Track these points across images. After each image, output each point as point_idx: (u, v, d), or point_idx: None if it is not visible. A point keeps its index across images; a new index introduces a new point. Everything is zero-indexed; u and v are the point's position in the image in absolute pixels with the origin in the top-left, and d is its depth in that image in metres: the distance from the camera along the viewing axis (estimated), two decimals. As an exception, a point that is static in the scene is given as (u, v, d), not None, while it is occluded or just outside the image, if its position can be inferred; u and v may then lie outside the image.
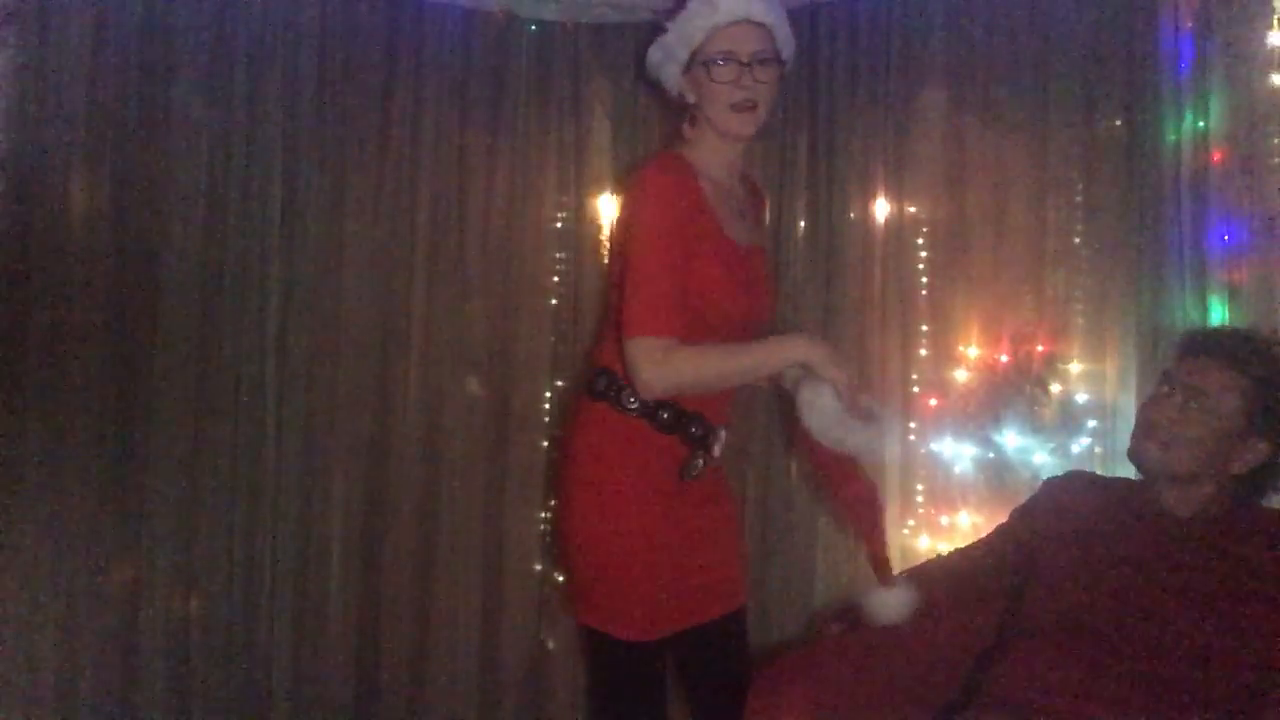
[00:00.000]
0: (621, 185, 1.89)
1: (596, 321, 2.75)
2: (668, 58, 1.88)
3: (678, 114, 1.92)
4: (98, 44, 2.50)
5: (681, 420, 1.82)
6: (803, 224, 2.67)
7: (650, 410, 1.81)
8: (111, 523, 2.53)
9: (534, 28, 2.79)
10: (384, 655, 2.74)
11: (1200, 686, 1.51)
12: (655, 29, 1.92)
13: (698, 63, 1.83)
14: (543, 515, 2.79)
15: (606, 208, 2.80)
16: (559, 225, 2.81)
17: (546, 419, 2.80)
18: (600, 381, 1.85)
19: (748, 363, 1.78)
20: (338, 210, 2.72)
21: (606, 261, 2.03)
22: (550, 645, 2.77)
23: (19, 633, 2.41)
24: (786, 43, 1.89)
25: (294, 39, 2.67)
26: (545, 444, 2.80)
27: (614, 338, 1.82)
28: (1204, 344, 1.75)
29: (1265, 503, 1.76)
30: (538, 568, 2.79)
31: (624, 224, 1.84)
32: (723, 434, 1.89)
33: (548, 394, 2.79)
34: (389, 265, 2.75)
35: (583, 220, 2.81)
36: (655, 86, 1.96)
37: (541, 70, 2.79)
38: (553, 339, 2.81)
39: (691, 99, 1.86)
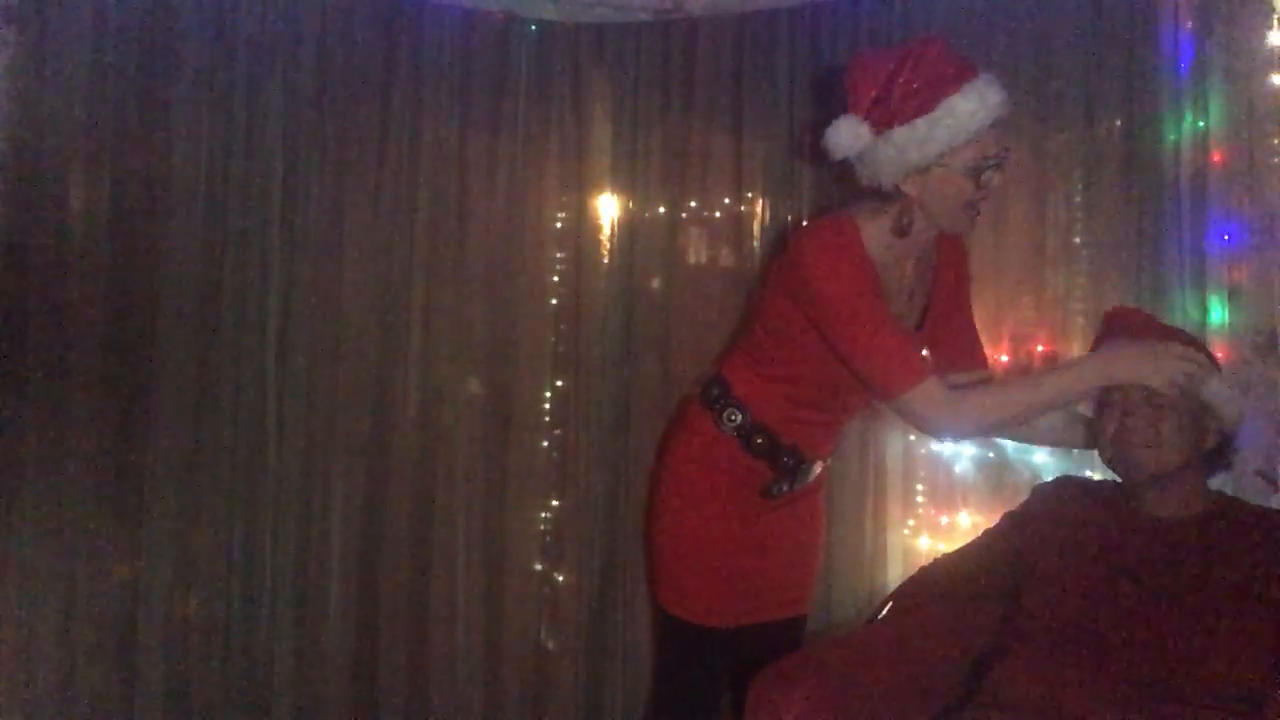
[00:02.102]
0: (792, 243, 1.82)
1: (595, 319, 2.76)
2: (900, 152, 1.69)
3: (846, 180, 1.80)
4: (98, 44, 2.50)
5: (775, 450, 1.90)
6: (802, 224, 2.67)
7: (746, 433, 1.89)
8: (111, 523, 2.52)
9: (534, 28, 2.79)
10: (384, 655, 2.74)
11: (1198, 687, 1.52)
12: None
13: (950, 163, 1.70)
14: (543, 515, 2.79)
15: (606, 208, 2.81)
16: (559, 225, 2.81)
17: (547, 419, 2.81)
18: (713, 389, 1.94)
19: (1057, 393, 1.72)
20: (338, 210, 2.73)
21: (759, 292, 1.99)
22: (550, 645, 2.77)
23: (19, 633, 2.41)
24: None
25: (294, 39, 2.67)
26: (545, 444, 2.80)
27: (742, 356, 1.94)
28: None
29: (1224, 476, 1.77)
30: (538, 567, 2.79)
31: (807, 287, 1.76)
32: (818, 467, 1.98)
33: (548, 393, 2.80)
34: (389, 265, 2.75)
35: (583, 220, 2.81)
36: (844, 171, 1.79)
37: (541, 70, 2.79)
38: (553, 339, 2.81)
39: (912, 193, 1.73)
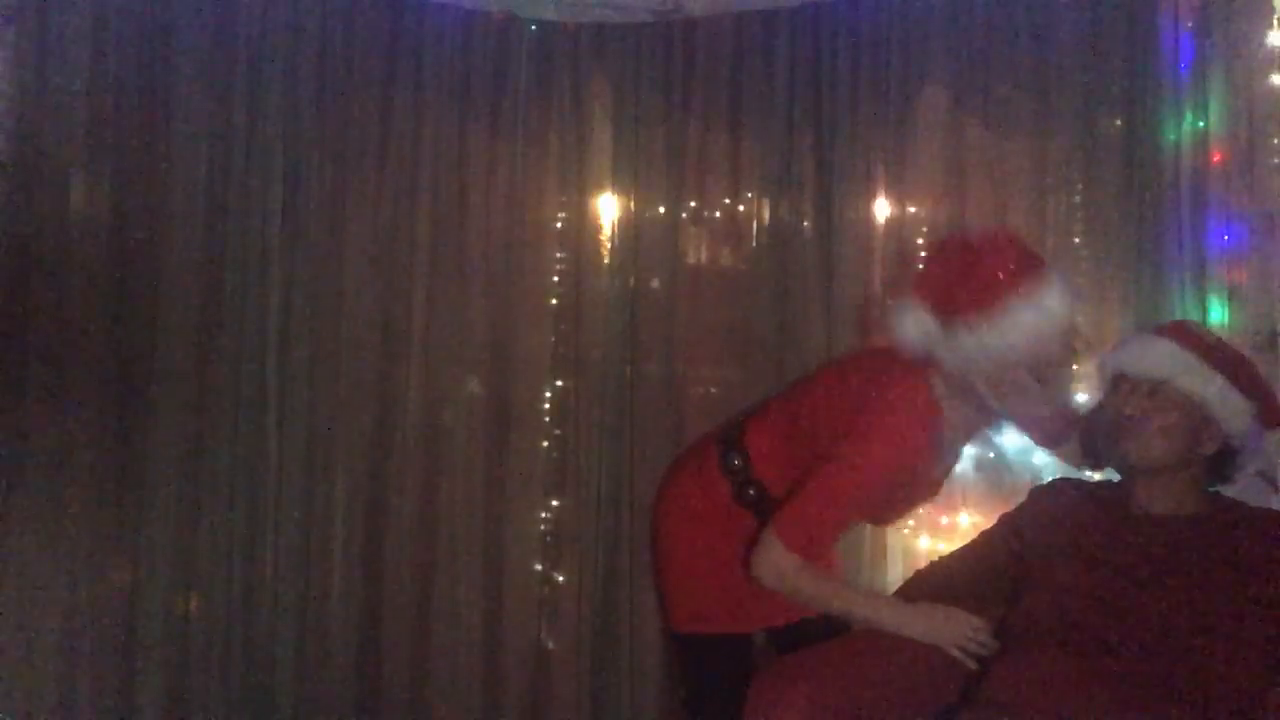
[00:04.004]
0: (877, 390, 1.79)
1: (595, 319, 2.75)
2: (998, 364, 1.69)
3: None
4: (98, 44, 2.50)
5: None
6: (803, 224, 2.68)
7: (763, 511, 1.86)
8: (111, 523, 2.53)
9: (534, 28, 2.79)
10: (385, 655, 2.74)
11: (1198, 687, 1.51)
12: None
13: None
14: (543, 515, 2.79)
15: (606, 208, 2.81)
16: (559, 225, 2.81)
17: (546, 419, 2.80)
18: (734, 458, 1.92)
19: (859, 618, 1.78)
20: (338, 210, 2.72)
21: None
22: (550, 645, 2.77)
23: (19, 633, 2.41)
24: None
25: (294, 39, 2.67)
26: (545, 444, 2.80)
27: (771, 441, 1.90)
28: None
29: (1229, 485, 1.77)
30: (538, 568, 2.79)
31: (861, 425, 1.75)
32: None
33: (548, 394, 2.80)
34: (389, 265, 2.75)
35: (583, 220, 2.81)
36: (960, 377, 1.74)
37: (541, 70, 2.79)
38: (553, 339, 2.81)
39: (982, 390, 1.73)
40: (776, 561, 1.75)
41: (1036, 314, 1.66)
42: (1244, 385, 1.70)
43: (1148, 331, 1.83)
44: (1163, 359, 1.70)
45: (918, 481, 1.86)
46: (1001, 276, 1.67)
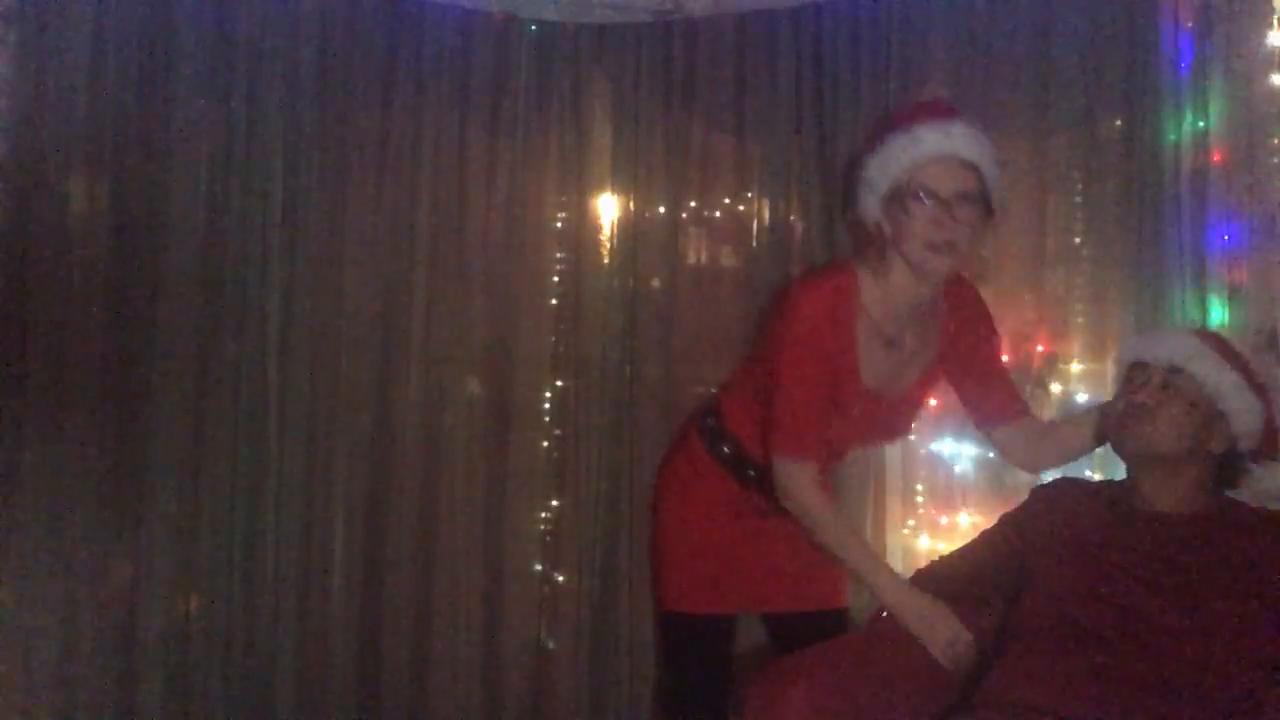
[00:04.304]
0: (784, 290, 1.94)
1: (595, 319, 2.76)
2: (867, 188, 1.81)
3: (866, 240, 1.85)
4: (98, 44, 2.50)
5: (765, 483, 1.92)
6: (803, 224, 2.68)
7: (738, 466, 1.97)
8: (111, 523, 2.52)
9: (534, 28, 2.79)
10: (385, 655, 2.73)
11: (1198, 686, 1.52)
12: (852, 163, 1.90)
13: (896, 197, 1.77)
14: (543, 515, 2.79)
15: (606, 208, 2.81)
16: (559, 225, 2.81)
17: (547, 418, 2.80)
18: (709, 419, 2.02)
19: (858, 568, 1.85)
20: (338, 210, 2.72)
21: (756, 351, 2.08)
22: (551, 645, 2.77)
23: (19, 633, 2.41)
24: (995, 184, 1.80)
25: (294, 39, 2.67)
26: (545, 444, 2.80)
27: (739, 388, 2.01)
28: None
29: (1239, 488, 1.77)
30: (538, 568, 2.79)
31: (776, 332, 1.86)
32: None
33: (548, 393, 2.80)
34: (389, 265, 2.75)
35: (583, 220, 2.80)
36: (852, 214, 1.89)
37: (541, 70, 2.79)
38: (553, 338, 2.81)
39: (887, 230, 1.80)
40: (783, 475, 1.84)
41: (912, 140, 1.75)
42: (1257, 386, 1.70)
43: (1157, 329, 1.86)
44: (1181, 345, 1.72)
45: (852, 381, 1.84)
46: (908, 108, 1.83)
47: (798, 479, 1.83)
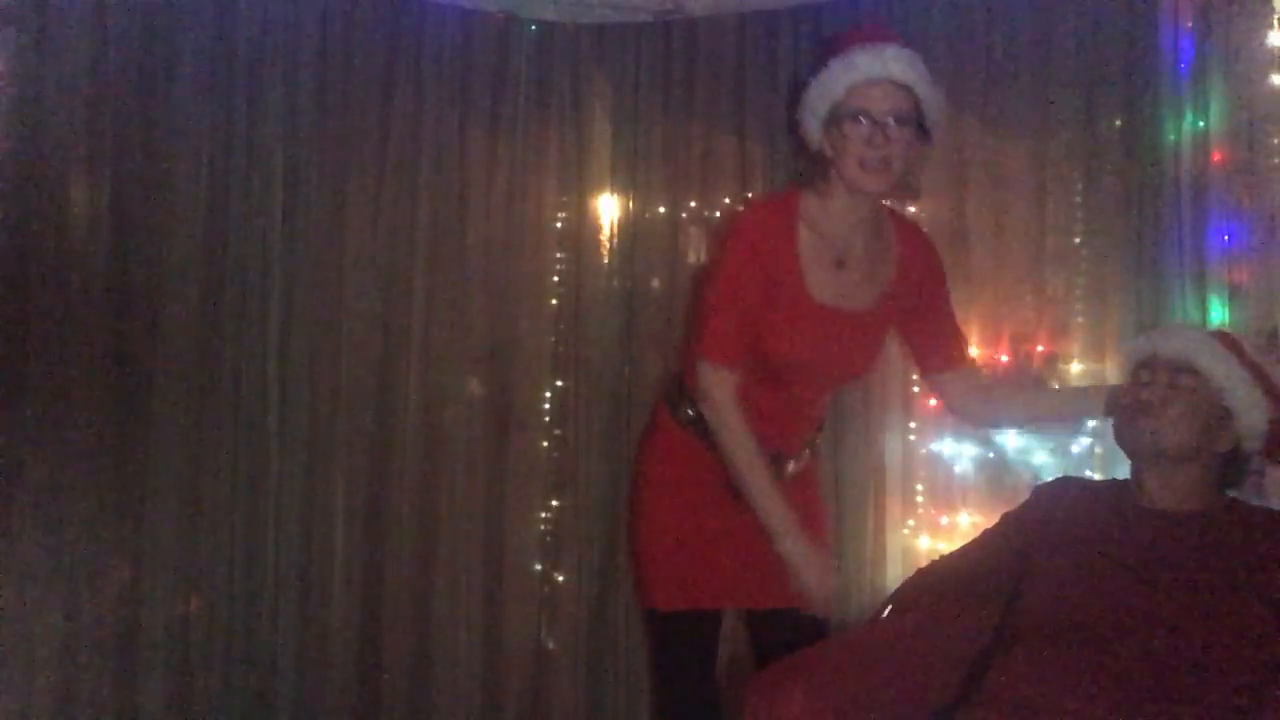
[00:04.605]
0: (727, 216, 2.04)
1: (595, 319, 2.76)
2: (808, 112, 1.89)
3: (812, 164, 1.92)
4: (98, 44, 2.50)
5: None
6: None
7: (701, 426, 1.95)
8: (111, 523, 2.52)
9: (534, 28, 2.79)
10: (385, 655, 2.74)
11: (1199, 686, 1.51)
12: (796, 86, 1.97)
13: (834, 119, 1.85)
14: (543, 515, 2.79)
15: (606, 208, 2.81)
16: (559, 225, 2.81)
17: (547, 419, 2.81)
18: (673, 389, 2.06)
19: (751, 490, 1.89)
20: (338, 210, 2.73)
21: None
22: (550, 645, 2.77)
23: (19, 633, 2.41)
24: (933, 106, 1.87)
25: (294, 39, 2.68)
26: (545, 444, 2.80)
27: (690, 354, 1.99)
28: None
29: (1241, 487, 1.77)
30: (538, 568, 2.79)
31: (714, 250, 1.94)
32: (789, 465, 2.01)
33: (548, 394, 2.80)
34: (389, 265, 2.75)
35: (583, 220, 2.81)
36: (797, 139, 1.98)
37: (541, 70, 2.79)
38: (553, 339, 2.81)
39: (828, 152, 1.87)
40: (703, 379, 1.90)
41: (848, 64, 1.82)
42: (1267, 386, 1.70)
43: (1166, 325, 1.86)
44: (1194, 340, 1.72)
45: (798, 293, 1.89)
46: (846, 36, 1.90)
47: (718, 386, 1.88)
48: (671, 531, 2.01)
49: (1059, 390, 2.24)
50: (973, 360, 2.07)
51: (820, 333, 1.91)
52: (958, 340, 2.06)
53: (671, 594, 1.99)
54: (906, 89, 1.82)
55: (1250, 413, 1.69)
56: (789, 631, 1.89)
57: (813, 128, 1.90)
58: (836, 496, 2.51)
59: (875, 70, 1.81)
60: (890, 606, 1.86)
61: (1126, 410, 1.73)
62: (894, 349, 2.51)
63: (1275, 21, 2.05)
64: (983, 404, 2.06)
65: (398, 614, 2.74)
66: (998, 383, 2.05)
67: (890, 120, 1.81)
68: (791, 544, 1.85)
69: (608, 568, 2.73)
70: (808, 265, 1.90)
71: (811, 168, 1.92)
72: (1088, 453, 2.38)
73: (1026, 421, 2.21)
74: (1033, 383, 2.02)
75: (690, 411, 1.98)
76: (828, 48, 1.91)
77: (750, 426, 1.90)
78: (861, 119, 1.81)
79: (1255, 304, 2.05)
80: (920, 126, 1.86)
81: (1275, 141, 2.04)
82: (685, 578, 1.99)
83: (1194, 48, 2.21)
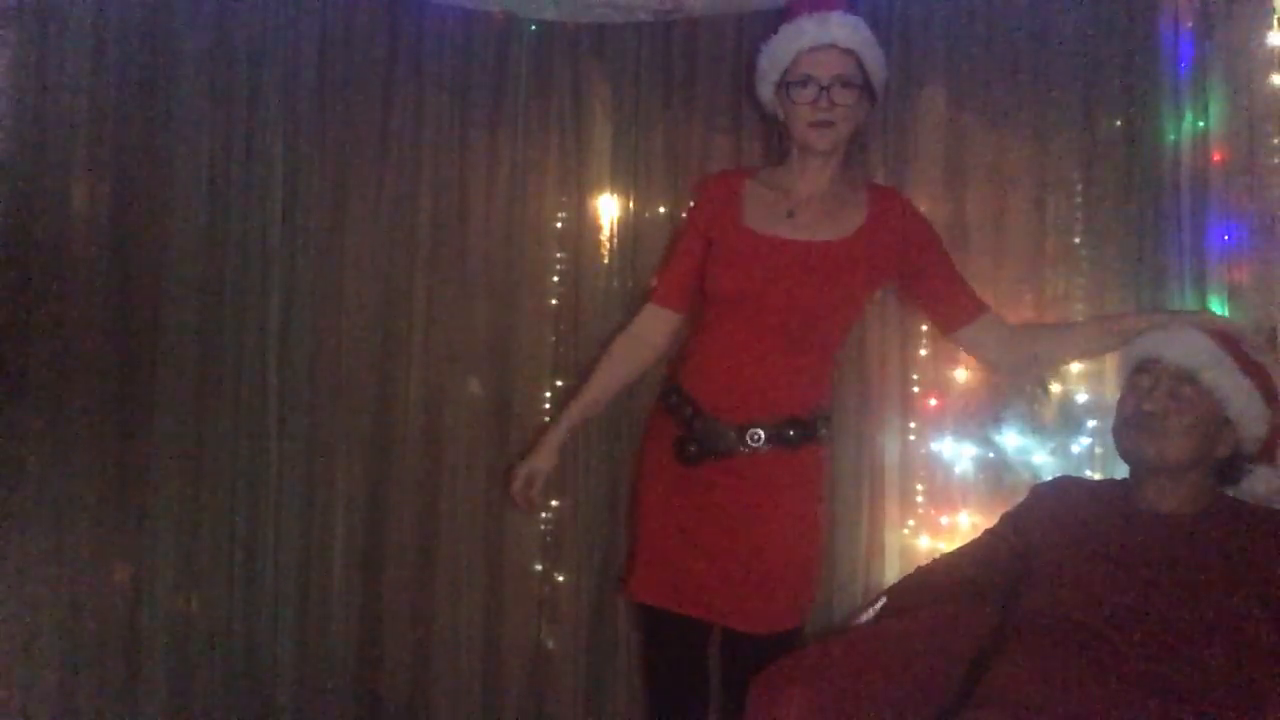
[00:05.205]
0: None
1: (595, 319, 2.76)
2: (761, 78, 2.07)
3: (772, 130, 2.13)
4: (98, 44, 2.50)
5: (681, 403, 2.06)
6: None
7: (665, 393, 2.12)
8: (111, 523, 2.53)
9: (534, 28, 2.79)
10: (385, 654, 2.74)
11: (1199, 685, 1.52)
12: (752, 57, 2.13)
13: (784, 84, 2.01)
14: (543, 515, 2.79)
15: (606, 208, 2.81)
16: (559, 225, 2.81)
17: (547, 419, 2.80)
18: (667, 380, 2.19)
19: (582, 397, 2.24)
20: (338, 210, 2.73)
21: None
22: (550, 645, 2.77)
23: (19, 633, 2.41)
24: (877, 69, 2.03)
25: (294, 39, 2.68)
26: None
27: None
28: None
29: (1238, 487, 1.77)
30: (538, 568, 2.79)
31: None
32: (745, 444, 1.99)
33: (548, 394, 2.79)
34: (390, 265, 2.75)
35: (583, 220, 2.80)
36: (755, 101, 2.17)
37: (541, 70, 2.79)
38: (553, 339, 2.80)
39: (781, 115, 2.06)
40: (641, 311, 2.20)
41: (795, 31, 1.98)
42: (1267, 391, 1.70)
43: (1184, 317, 1.85)
44: (1196, 349, 1.71)
45: (736, 226, 2.03)
46: (795, 6, 2.02)
47: (639, 318, 2.19)
48: (652, 524, 2.08)
49: (1082, 323, 2.22)
50: (988, 307, 2.10)
51: (763, 261, 1.99)
52: (967, 293, 2.09)
53: (643, 586, 2.08)
54: (851, 53, 1.96)
55: (1252, 422, 1.69)
56: (758, 659, 1.84)
57: (766, 93, 2.07)
58: (835, 497, 2.51)
59: (821, 37, 1.95)
60: (884, 600, 1.86)
61: (1128, 424, 1.73)
62: (894, 349, 2.54)
63: (1275, 21, 2.05)
64: (1011, 349, 2.08)
65: (398, 613, 2.74)
66: (1020, 325, 2.14)
67: (836, 84, 1.95)
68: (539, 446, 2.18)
69: (608, 567, 2.73)
70: (751, 208, 2.05)
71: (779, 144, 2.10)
72: (1088, 453, 2.38)
73: (1056, 361, 2.24)
74: (1053, 322, 2.18)
75: (675, 398, 2.07)
76: (779, 18, 2.06)
77: (700, 391, 2.02)
78: (808, 83, 1.95)
79: (1255, 304, 2.05)
80: (866, 87, 2.00)
81: (1275, 141, 2.03)
82: (658, 575, 2.06)
83: (1194, 48, 2.21)
